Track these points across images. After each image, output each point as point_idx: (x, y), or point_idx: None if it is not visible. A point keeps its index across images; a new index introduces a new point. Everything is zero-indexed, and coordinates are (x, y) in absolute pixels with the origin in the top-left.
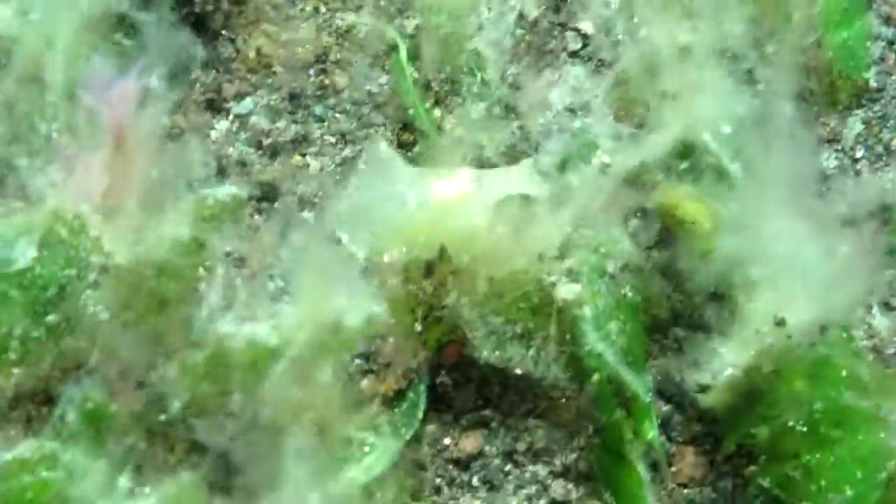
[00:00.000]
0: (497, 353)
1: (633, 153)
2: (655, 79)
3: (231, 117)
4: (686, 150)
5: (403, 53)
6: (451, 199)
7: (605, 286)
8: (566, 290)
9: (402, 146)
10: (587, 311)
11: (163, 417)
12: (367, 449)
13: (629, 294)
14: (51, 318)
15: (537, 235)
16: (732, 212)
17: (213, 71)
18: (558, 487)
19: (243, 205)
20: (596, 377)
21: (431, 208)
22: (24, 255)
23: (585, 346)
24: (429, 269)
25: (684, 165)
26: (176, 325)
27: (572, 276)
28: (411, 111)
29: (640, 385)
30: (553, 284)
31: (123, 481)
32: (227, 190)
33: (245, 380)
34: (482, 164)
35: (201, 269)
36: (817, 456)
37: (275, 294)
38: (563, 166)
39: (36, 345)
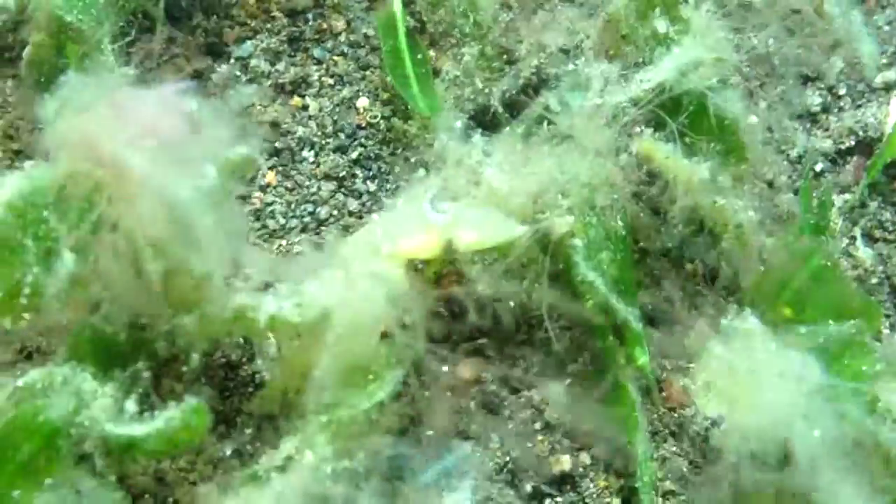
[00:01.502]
0: (491, 288)
1: (622, 92)
2: (646, 20)
3: (232, 61)
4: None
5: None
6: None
7: (595, 218)
8: (559, 223)
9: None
10: (578, 242)
11: (177, 360)
12: (370, 377)
13: (619, 226)
14: (64, 270)
15: (532, 172)
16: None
17: (214, 17)
18: (552, 411)
19: (253, 163)
20: (589, 304)
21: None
22: None
23: (577, 275)
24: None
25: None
26: (190, 287)
27: (565, 210)
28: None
29: (630, 313)
30: (548, 219)
31: (130, 405)
32: (239, 150)
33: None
34: (478, 106)
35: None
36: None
37: (276, 231)
38: (556, 105)
39: (48, 292)
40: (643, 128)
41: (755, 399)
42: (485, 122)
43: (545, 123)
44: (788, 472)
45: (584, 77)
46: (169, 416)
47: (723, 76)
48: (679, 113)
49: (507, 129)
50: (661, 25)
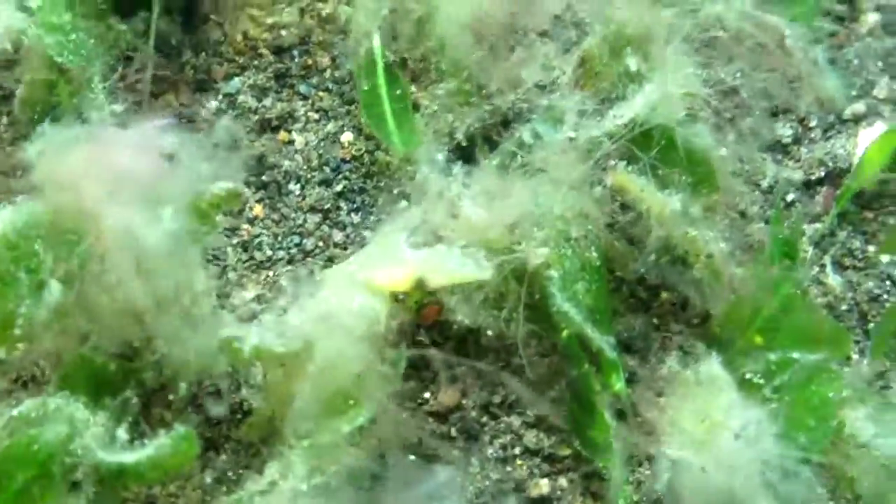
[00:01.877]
0: (469, 317)
1: (596, 127)
2: (619, 57)
3: (220, 97)
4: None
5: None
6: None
7: (570, 250)
8: (535, 255)
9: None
10: (554, 273)
11: (166, 390)
12: (350, 402)
13: (594, 257)
14: (52, 299)
15: (508, 205)
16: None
17: (203, 54)
18: (531, 437)
19: (239, 197)
20: (565, 334)
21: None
22: None
23: (553, 306)
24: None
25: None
26: (177, 314)
27: (541, 241)
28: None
29: (605, 341)
30: (523, 251)
31: (121, 433)
32: (223, 185)
33: (249, 371)
34: (456, 140)
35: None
36: (772, 406)
37: (263, 263)
38: (531, 139)
39: (39, 323)
40: (617, 161)
41: (714, 453)
42: (464, 155)
43: (520, 157)
44: None
45: (559, 111)
46: (159, 444)
47: (693, 111)
48: (651, 147)
49: (484, 162)
50: (633, 63)
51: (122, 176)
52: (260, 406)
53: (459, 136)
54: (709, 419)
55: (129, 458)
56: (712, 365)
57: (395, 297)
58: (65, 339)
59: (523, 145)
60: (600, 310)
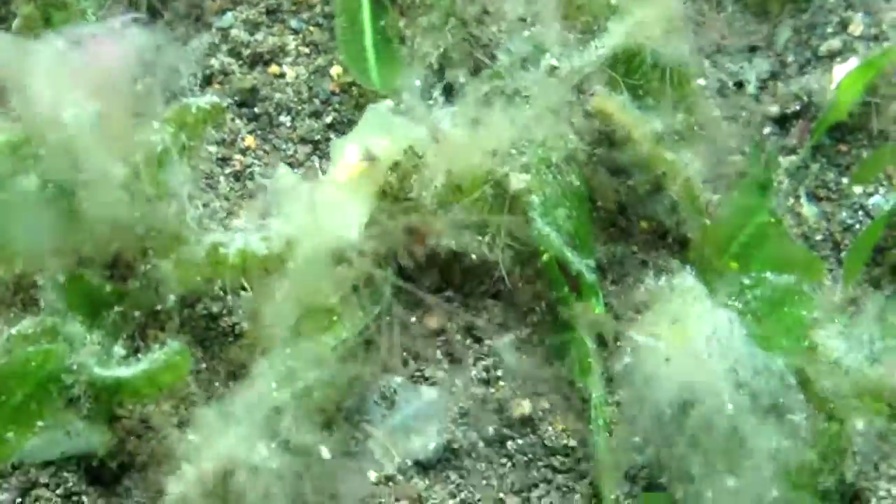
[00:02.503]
0: (455, 240)
1: (578, 57)
2: None
3: (213, 31)
4: (626, 60)
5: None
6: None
7: (551, 176)
8: (517, 181)
9: None
10: (535, 198)
11: (159, 307)
12: (335, 318)
13: (575, 183)
14: (49, 215)
15: (491, 133)
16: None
17: None
18: (513, 359)
19: (223, 112)
20: (545, 258)
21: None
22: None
23: (534, 230)
24: (394, 165)
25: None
26: (166, 225)
27: (523, 168)
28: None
29: (584, 265)
30: (505, 176)
31: (118, 349)
32: (208, 98)
33: (235, 278)
34: (439, 71)
35: (186, 171)
36: (749, 327)
37: (255, 192)
38: (514, 70)
39: (34, 238)
40: (598, 87)
41: (682, 347)
42: (446, 86)
43: (501, 84)
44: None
45: (541, 40)
46: (153, 359)
47: (673, 41)
48: (631, 73)
49: (466, 90)
50: None
51: (92, 65)
52: (249, 328)
53: (441, 65)
54: (680, 322)
55: (124, 372)
56: (686, 278)
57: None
58: (60, 258)
59: (504, 74)
60: (580, 235)
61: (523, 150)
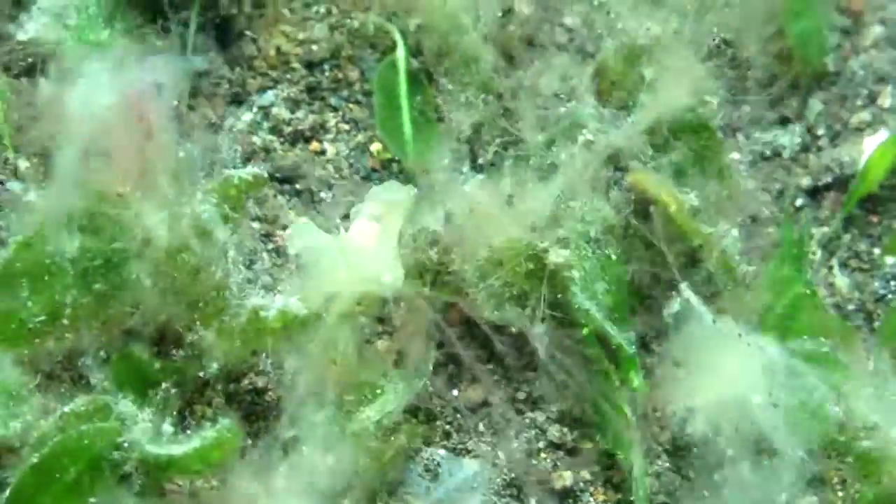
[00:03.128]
0: (496, 312)
1: (613, 132)
2: (633, 67)
3: (255, 109)
4: (661, 139)
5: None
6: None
7: (591, 250)
8: (556, 255)
9: None
10: (575, 273)
11: (202, 374)
12: (378, 392)
13: (613, 257)
14: (98, 286)
15: (529, 207)
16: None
17: (238, 68)
18: (555, 431)
19: (265, 183)
20: (585, 331)
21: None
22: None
23: (574, 304)
24: (434, 239)
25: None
26: (210, 294)
27: (562, 242)
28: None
29: (623, 338)
30: (545, 251)
31: (167, 427)
32: (250, 170)
33: (276, 345)
34: (473, 147)
35: (229, 243)
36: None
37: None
38: (550, 145)
39: (84, 311)
40: (633, 162)
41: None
42: (485, 161)
43: (539, 160)
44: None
45: (578, 117)
46: (204, 436)
47: (706, 116)
48: (667, 149)
49: (505, 166)
50: (648, 72)
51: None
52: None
53: (480, 142)
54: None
55: (175, 450)
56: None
57: (421, 295)
58: (109, 329)
59: (542, 149)
60: (618, 308)
61: (561, 223)
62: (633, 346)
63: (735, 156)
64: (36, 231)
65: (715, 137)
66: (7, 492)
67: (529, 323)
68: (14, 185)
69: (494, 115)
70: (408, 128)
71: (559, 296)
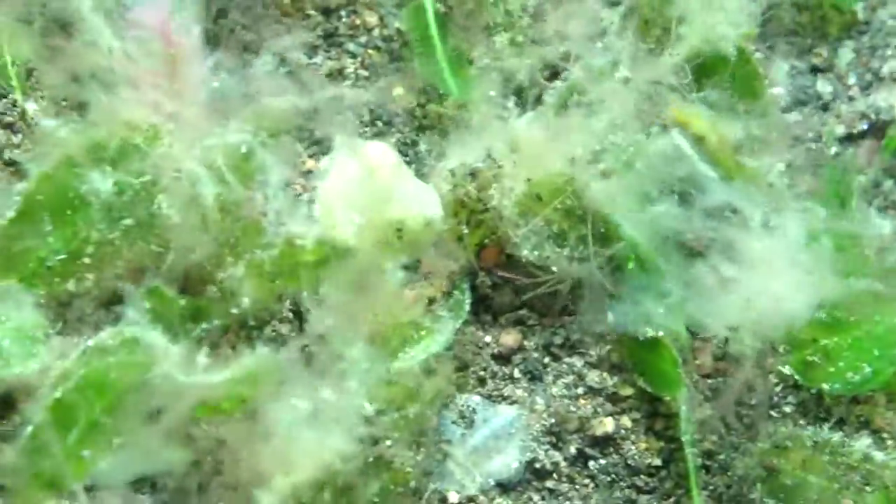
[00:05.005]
0: (535, 251)
1: (650, 68)
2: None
3: (271, 55)
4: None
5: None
6: None
7: (633, 184)
8: (599, 188)
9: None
10: (619, 202)
11: (234, 311)
12: (423, 332)
13: (655, 193)
14: (126, 221)
15: (568, 143)
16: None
17: (250, 14)
18: (594, 377)
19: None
20: (630, 265)
21: None
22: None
23: (619, 234)
24: (473, 174)
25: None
26: (240, 229)
27: (604, 174)
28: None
29: (669, 272)
30: (586, 184)
31: (201, 359)
32: (287, 99)
33: (310, 279)
34: (509, 89)
35: (261, 177)
36: (835, 339)
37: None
38: (586, 83)
39: (110, 248)
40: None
41: None
42: (519, 101)
43: (576, 97)
44: None
45: (613, 53)
46: (243, 364)
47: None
48: (707, 80)
49: (541, 105)
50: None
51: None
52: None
53: (514, 82)
54: None
55: (213, 378)
56: None
57: (459, 237)
58: (135, 267)
59: (578, 86)
60: (661, 247)
61: (602, 157)
62: (678, 286)
63: (777, 90)
64: (59, 162)
65: (756, 70)
66: (26, 433)
67: (569, 263)
68: (40, 117)
69: (527, 57)
70: (446, 65)
71: (602, 230)
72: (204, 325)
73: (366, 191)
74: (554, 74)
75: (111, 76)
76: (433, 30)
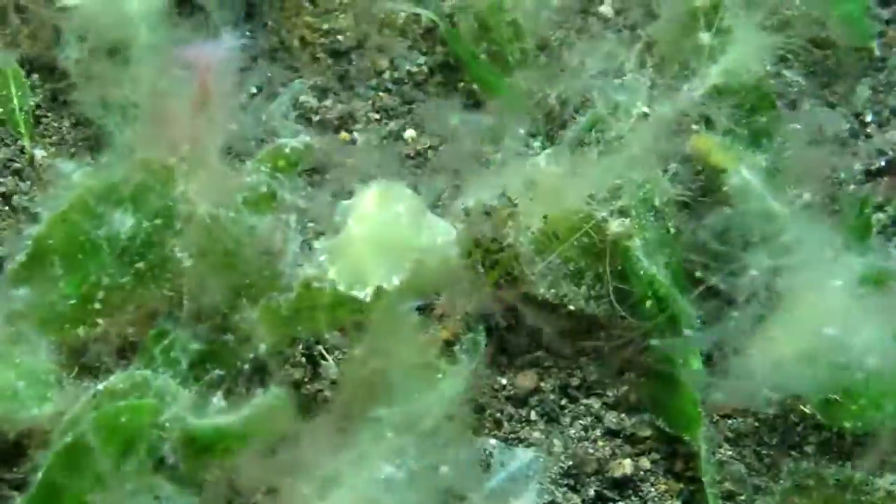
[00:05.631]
0: (552, 290)
1: (669, 103)
2: (688, 34)
3: (281, 98)
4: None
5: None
6: None
7: (651, 220)
8: (617, 224)
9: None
10: (637, 241)
11: (251, 356)
12: (439, 376)
13: (673, 231)
14: (138, 265)
15: (586, 180)
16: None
17: (260, 59)
18: (612, 418)
19: (312, 152)
20: (648, 304)
21: None
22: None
23: (638, 271)
24: (488, 213)
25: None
26: (256, 271)
27: (622, 212)
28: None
29: (687, 308)
30: (605, 220)
31: (216, 400)
32: (301, 138)
33: (329, 322)
34: (526, 126)
35: (277, 218)
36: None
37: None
38: (603, 119)
39: (122, 292)
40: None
41: None
42: (536, 139)
43: (594, 133)
44: None
45: (631, 88)
46: (254, 404)
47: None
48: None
49: (558, 140)
50: (705, 38)
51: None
52: (339, 391)
53: (531, 120)
54: None
55: (224, 420)
56: None
57: (475, 270)
58: (146, 312)
59: (597, 122)
60: (679, 284)
61: (620, 194)
62: (696, 323)
63: (795, 126)
64: (72, 204)
65: (775, 103)
66: (36, 479)
67: (586, 302)
68: (49, 162)
69: (542, 94)
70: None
71: (619, 266)
72: (217, 371)
73: (387, 233)
74: (571, 111)
75: (134, 111)
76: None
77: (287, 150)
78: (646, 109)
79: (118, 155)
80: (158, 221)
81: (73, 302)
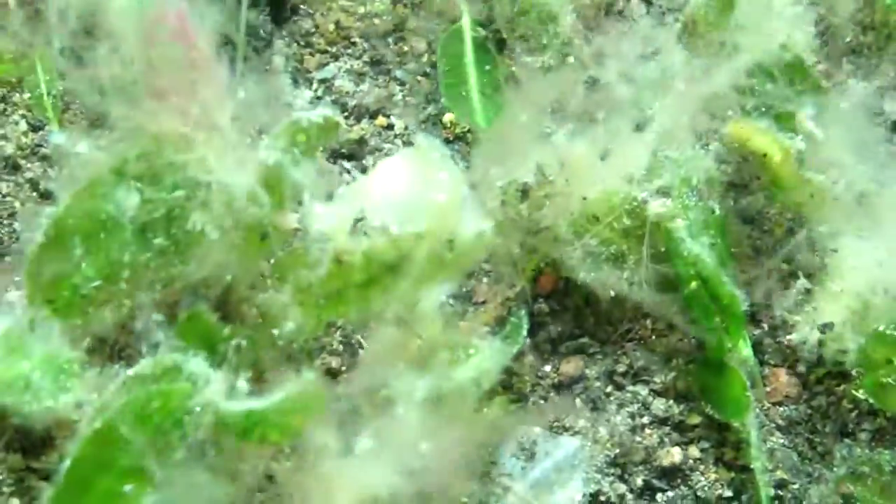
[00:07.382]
0: (592, 274)
1: (707, 82)
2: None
3: (315, 84)
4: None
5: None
6: None
7: (694, 199)
8: (658, 205)
9: None
10: (680, 221)
11: (278, 337)
12: (472, 351)
13: (716, 211)
14: (159, 241)
15: (624, 159)
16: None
17: (295, 45)
18: (659, 405)
19: (337, 127)
20: (693, 285)
21: None
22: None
23: (682, 252)
24: (524, 193)
25: (753, 103)
26: (282, 246)
27: (662, 191)
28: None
29: (735, 290)
30: (644, 202)
31: (243, 384)
32: (321, 111)
33: (360, 301)
34: (555, 112)
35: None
36: None
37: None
38: (640, 99)
39: (145, 271)
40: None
41: None
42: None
43: (630, 112)
44: None
45: (668, 69)
46: (287, 389)
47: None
48: (765, 89)
49: (598, 117)
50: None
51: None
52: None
53: (562, 104)
54: None
55: (257, 404)
56: None
57: (513, 262)
58: (170, 292)
59: (633, 103)
60: (725, 266)
61: (660, 172)
62: (744, 304)
63: (844, 105)
64: (89, 183)
65: (818, 80)
66: (64, 468)
67: (628, 286)
68: (59, 138)
69: (577, 77)
70: (476, 95)
71: (662, 248)
72: (248, 353)
73: (420, 191)
74: (606, 92)
75: (134, 88)
76: (469, 57)
77: (305, 124)
78: (682, 87)
79: (130, 128)
80: (179, 193)
81: (96, 284)
